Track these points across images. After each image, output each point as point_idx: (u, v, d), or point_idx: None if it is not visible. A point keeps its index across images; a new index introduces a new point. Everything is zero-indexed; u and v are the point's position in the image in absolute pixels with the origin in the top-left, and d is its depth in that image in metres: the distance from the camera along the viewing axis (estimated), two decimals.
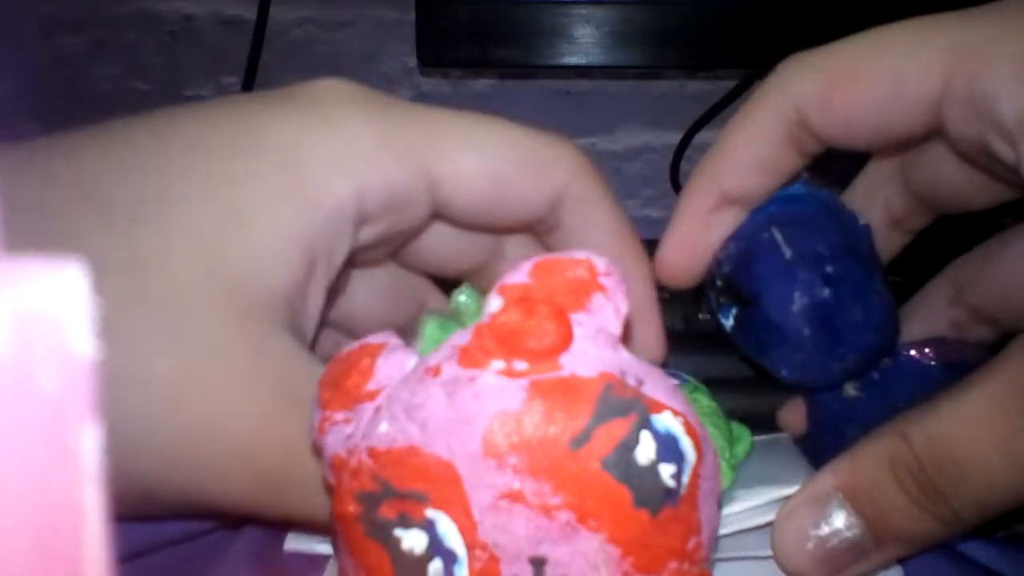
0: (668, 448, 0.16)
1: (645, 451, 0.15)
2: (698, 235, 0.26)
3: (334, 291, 0.26)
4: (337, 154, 0.23)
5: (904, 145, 0.26)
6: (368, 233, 0.24)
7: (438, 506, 0.15)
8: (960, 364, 0.26)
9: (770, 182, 0.26)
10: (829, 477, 0.22)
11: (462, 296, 0.26)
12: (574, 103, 0.62)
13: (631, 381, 0.16)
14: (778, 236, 0.25)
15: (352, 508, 0.16)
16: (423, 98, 0.73)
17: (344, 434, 0.17)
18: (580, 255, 0.17)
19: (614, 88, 0.60)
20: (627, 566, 0.15)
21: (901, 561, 0.22)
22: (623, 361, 0.16)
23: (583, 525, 0.15)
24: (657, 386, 0.16)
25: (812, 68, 0.25)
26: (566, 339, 0.16)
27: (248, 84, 0.68)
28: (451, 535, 0.15)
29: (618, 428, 0.15)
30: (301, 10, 0.72)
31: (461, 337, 0.17)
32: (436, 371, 0.16)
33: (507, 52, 0.55)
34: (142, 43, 0.72)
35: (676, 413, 0.16)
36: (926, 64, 0.23)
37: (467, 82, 0.75)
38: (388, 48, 0.73)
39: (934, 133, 0.24)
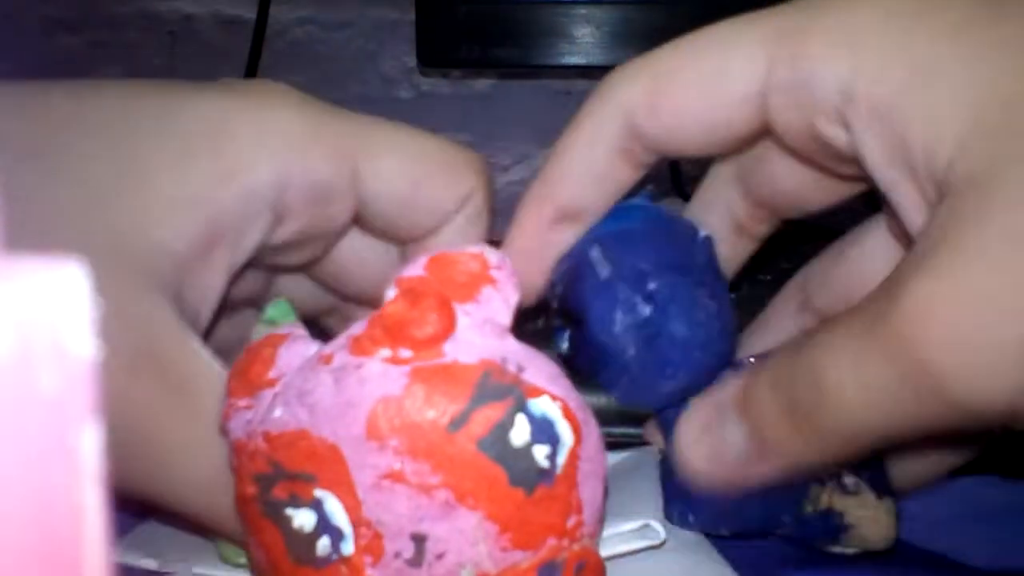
0: (543, 430, 0.16)
1: (520, 433, 0.16)
2: (534, 251, 0.25)
3: (248, 295, 0.26)
4: (261, 136, 0.23)
5: (737, 147, 0.25)
6: (289, 228, 0.24)
7: (325, 486, 0.16)
8: None
9: (605, 196, 0.25)
10: (730, 387, 0.22)
11: (272, 310, 0.25)
12: (574, 103, 0.62)
13: (511, 368, 0.17)
14: (596, 255, 0.25)
15: (250, 489, 0.17)
16: (423, 98, 0.73)
17: (245, 419, 0.17)
18: (474, 250, 0.18)
19: None
20: (505, 542, 0.16)
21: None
22: (506, 349, 0.17)
23: (461, 503, 0.16)
24: (539, 372, 0.17)
25: (637, 74, 0.24)
26: (448, 328, 0.17)
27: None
28: (337, 514, 0.16)
29: (494, 411, 0.16)
30: (301, 10, 0.72)
31: (357, 327, 0.17)
32: (328, 359, 0.17)
33: (507, 52, 0.55)
34: (142, 43, 0.72)
35: (555, 398, 0.17)
36: (747, 55, 0.22)
37: (467, 82, 0.75)
38: (388, 48, 0.73)
39: (764, 130, 0.23)
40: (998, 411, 0.18)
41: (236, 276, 0.23)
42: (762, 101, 0.22)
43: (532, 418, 0.16)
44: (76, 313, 0.08)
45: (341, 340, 0.17)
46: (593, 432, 0.18)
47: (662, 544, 0.22)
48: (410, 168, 0.25)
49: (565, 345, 0.26)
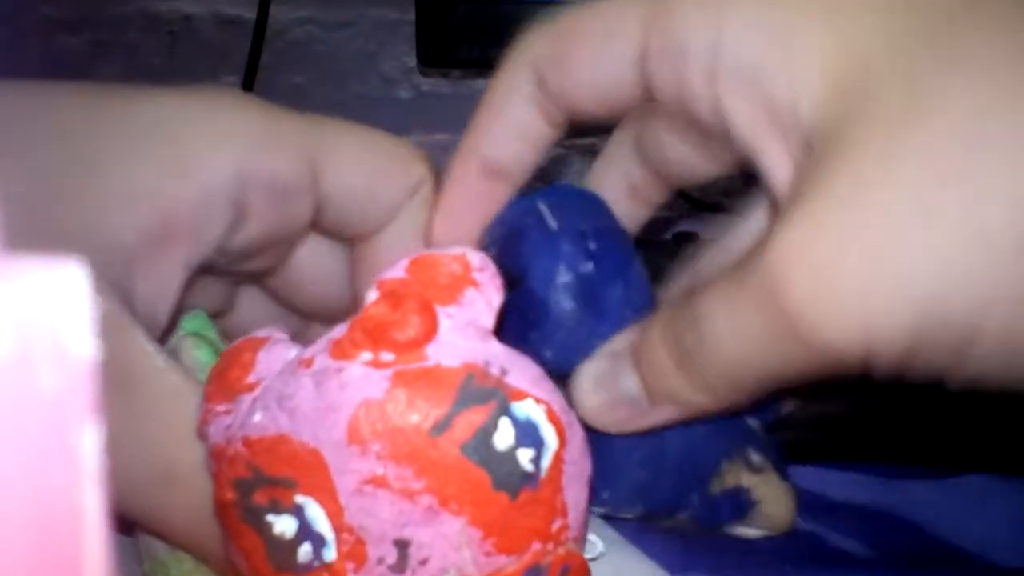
0: (527, 434, 0.16)
1: (503, 437, 0.16)
2: (465, 208, 0.26)
3: (211, 308, 0.26)
4: (220, 134, 0.23)
5: (629, 108, 0.25)
6: (251, 229, 0.24)
7: (306, 492, 0.16)
8: None
9: (528, 151, 0.26)
10: (624, 338, 0.23)
11: (189, 322, 0.24)
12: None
13: (494, 371, 0.17)
14: (545, 210, 0.25)
15: (229, 495, 0.17)
16: (423, 98, 0.73)
17: (224, 424, 0.17)
18: (456, 251, 0.18)
19: None
20: (489, 547, 0.16)
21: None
22: (489, 351, 0.17)
23: (445, 508, 0.16)
24: (522, 375, 0.17)
25: (547, 29, 0.24)
26: (430, 331, 0.17)
27: (248, 84, 0.68)
28: (319, 519, 0.16)
29: (478, 415, 0.16)
30: (301, 10, 0.72)
31: (338, 330, 0.17)
32: (309, 362, 0.17)
33: (507, 52, 0.55)
34: (142, 43, 0.72)
35: (539, 401, 0.17)
36: (629, 17, 0.22)
37: (467, 82, 0.75)
38: (388, 48, 0.73)
39: (649, 95, 0.23)
40: (855, 354, 0.18)
41: (195, 277, 0.23)
42: (643, 65, 0.22)
43: (516, 421, 0.16)
44: (76, 313, 0.08)
45: (322, 343, 0.17)
46: (577, 435, 0.18)
47: (598, 557, 0.21)
48: (366, 162, 0.26)
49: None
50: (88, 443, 0.08)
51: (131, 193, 0.21)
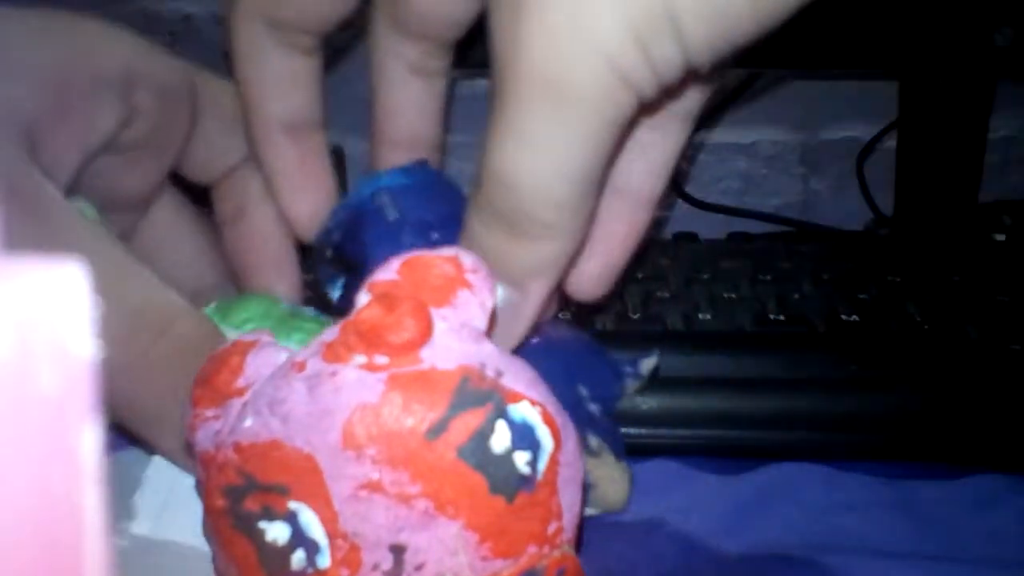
0: (523, 436, 0.16)
1: (500, 440, 0.16)
2: (300, 179, 0.28)
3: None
4: (112, 35, 0.27)
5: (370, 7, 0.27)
6: (138, 129, 0.26)
7: (300, 498, 0.16)
8: (552, 337, 0.26)
9: (309, 94, 0.28)
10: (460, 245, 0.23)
11: (82, 205, 0.25)
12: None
13: (490, 373, 0.16)
14: (385, 201, 0.26)
15: (220, 502, 0.16)
16: None
17: (213, 430, 0.17)
18: (448, 252, 0.18)
19: None
20: (485, 551, 0.16)
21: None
22: (484, 354, 0.17)
23: (441, 512, 0.16)
24: (517, 377, 0.17)
25: None
26: (425, 334, 0.16)
27: None
28: (313, 526, 0.16)
29: (474, 418, 0.16)
30: None
31: (329, 333, 0.17)
32: (301, 366, 0.16)
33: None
34: None
35: (534, 403, 0.17)
36: None
37: (467, 82, 0.75)
38: None
39: None
40: (631, 82, 0.19)
41: (90, 160, 0.25)
42: None
43: (512, 424, 0.16)
44: (76, 313, 0.08)
45: (314, 347, 0.17)
46: (571, 436, 0.17)
47: None
48: (235, 96, 0.28)
49: (338, 293, 0.27)
50: (88, 443, 0.08)
51: (30, 68, 0.23)
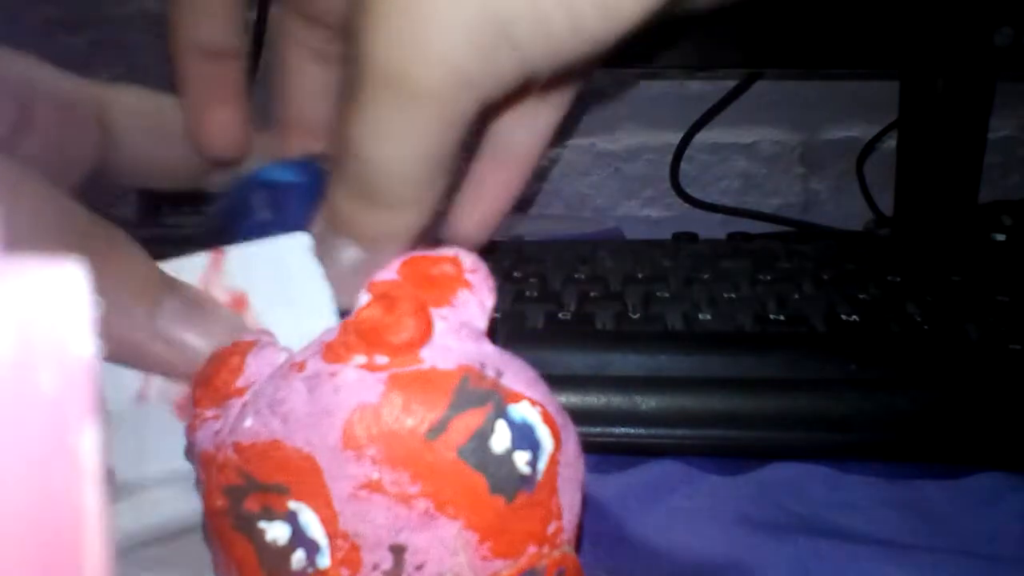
0: (523, 436, 0.16)
1: (500, 440, 0.16)
2: (214, 103, 0.29)
3: None
4: (10, 56, 0.26)
5: None
6: (34, 141, 0.25)
7: (300, 498, 0.16)
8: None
9: (228, 17, 0.28)
10: (322, 211, 0.24)
11: None
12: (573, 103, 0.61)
13: (490, 372, 0.16)
14: (262, 199, 0.26)
15: (220, 502, 0.16)
16: None
17: (213, 430, 0.17)
18: (448, 252, 0.18)
19: (613, 88, 0.60)
20: (485, 551, 0.16)
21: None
22: (484, 353, 0.17)
23: (441, 512, 0.15)
24: (517, 377, 0.17)
25: None
26: (425, 334, 0.16)
27: (248, 84, 0.68)
28: (313, 526, 0.16)
29: (474, 418, 0.16)
30: None
31: (329, 334, 0.17)
32: (301, 366, 0.16)
33: None
34: (142, 43, 0.72)
35: (534, 403, 0.16)
36: None
37: None
38: None
39: None
40: (450, 84, 0.20)
41: None
42: None
43: (512, 424, 0.16)
44: (76, 313, 0.08)
45: (314, 347, 0.17)
46: (571, 436, 0.17)
47: None
48: (149, 102, 0.30)
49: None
50: (88, 443, 0.08)
51: None
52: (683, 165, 0.57)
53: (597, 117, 0.61)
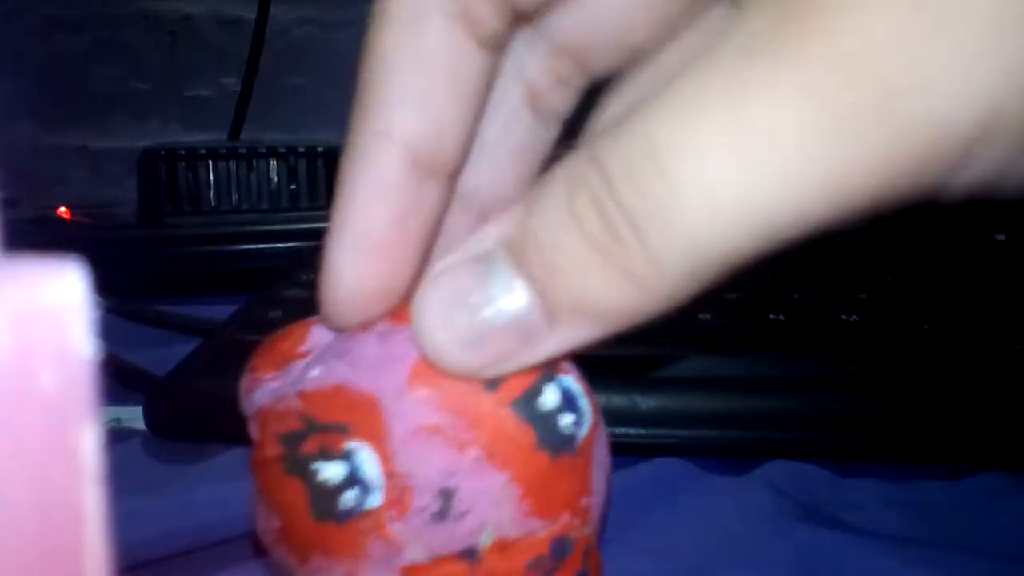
0: (569, 401, 0.17)
1: (549, 399, 0.16)
2: (391, 240, 0.18)
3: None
4: None
5: None
6: None
7: (359, 436, 0.16)
8: None
9: (463, 102, 0.17)
10: (496, 226, 0.15)
11: None
12: None
13: None
14: None
15: (273, 451, 0.17)
16: None
17: (271, 388, 0.17)
18: None
19: None
20: (526, 507, 0.16)
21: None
22: None
23: (491, 462, 0.16)
24: (564, 359, 0.17)
25: None
26: None
27: (248, 84, 0.68)
28: (369, 464, 0.16)
29: (527, 377, 0.16)
30: (301, 10, 0.72)
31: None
32: (369, 326, 0.17)
33: None
34: (142, 43, 0.72)
35: (578, 380, 0.17)
36: None
37: None
38: None
39: None
40: (964, 134, 0.12)
41: None
42: None
43: (561, 388, 0.17)
44: (76, 313, 0.08)
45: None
46: (603, 428, 0.18)
47: None
48: None
49: None
50: (88, 443, 0.08)
51: None
52: None
53: None
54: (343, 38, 0.73)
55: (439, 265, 0.16)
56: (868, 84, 0.12)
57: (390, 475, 0.16)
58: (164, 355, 0.35)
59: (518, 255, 0.15)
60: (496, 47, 0.18)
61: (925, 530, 0.26)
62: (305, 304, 0.36)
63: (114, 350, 0.34)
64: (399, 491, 0.16)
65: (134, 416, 0.32)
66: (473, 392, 0.16)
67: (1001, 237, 0.50)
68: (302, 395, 0.17)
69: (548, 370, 0.17)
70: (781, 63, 0.13)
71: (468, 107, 0.17)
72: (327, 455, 0.16)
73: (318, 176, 0.57)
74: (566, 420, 0.17)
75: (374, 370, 0.16)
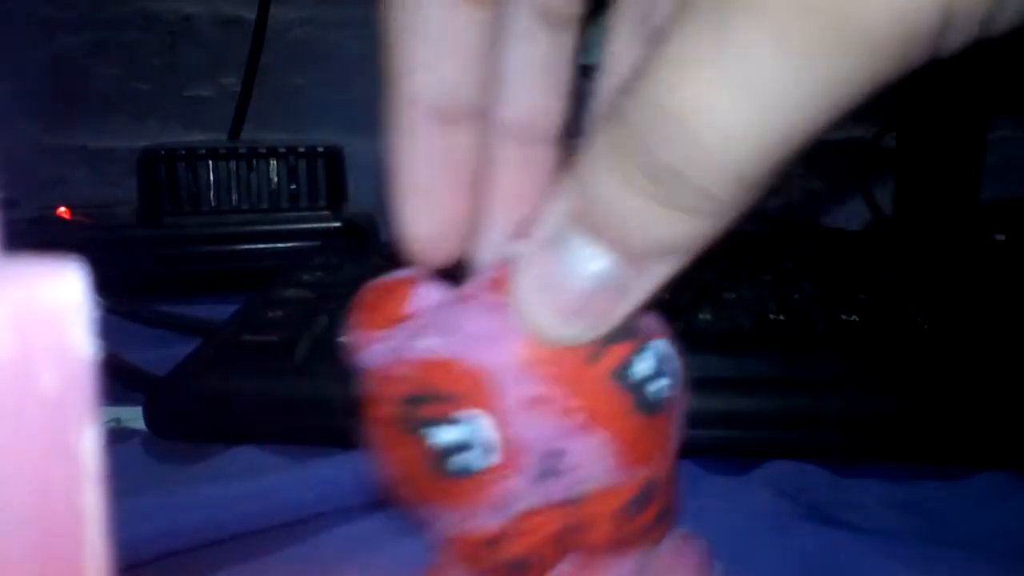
0: (661, 365, 0.19)
1: (644, 367, 0.18)
2: (435, 186, 0.20)
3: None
4: None
5: None
6: None
7: (474, 406, 0.18)
8: None
9: (468, 54, 0.19)
10: (559, 203, 0.17)
11: None
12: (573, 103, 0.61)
13: (639, 315, 0.19)
14: None
15: (392, 410, 0.18)
16: None
17: (384, 349, 0.19)
18: None
19: None
20: (621, 460, 0.18)
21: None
22: None
23: (592, 426, 0.18)
24: (657, 324, 0.19)
25: None
26: None
27: (248, 84, 0.68)
28: (483, 430, 0.18)
29: (624, 348, 0.18)
30: (301, 10, 0.72)
31: (494, 270, 0.19)
32: (472, 297, 0.19)
33: None
34: (142, 43, 0.72)
35: (668, 342, 0.19)
36: None
37: None
38: None
39: None
40: (929, 17, 0.14)
41: None
42: None
43: (654, 355, 0.18)
44: (76, 313, 0.08)
45: (480, 283, 0.19)
46: (683, 377, 0.20)
47: None
48: None
49: None
50: (88, 443, 0.08)
51: None
52: None
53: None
54: (343, 38, 0.73)
55: (524, 251, 0.18)
56: (823, 11, 0.14)
57: (503, 439, 0.18)
58: (164, 355, 0.35)
59: (587, 224, 0.17)
60: (489, 4, 0.19)
61: (925, 530, 0.26)
62: (305, 304, 0.36)
63: (114, 350, 0.34)
64: (511, 453, 0.18)
65: (134, 416, 0.32)
66: (576, 364, 0.18)
67: (1001, 237, 0.50)
68: (416, 363, 0.18)
69: (645, 339, 0.18)
70: (750, 9, 0.14)
71: (475, 56, 0.19)
72: (444, 420, 0.18)
73: (318, 176, 0.57)
74: (658, 385, 0.19)
75: (483, 345, 0.18)
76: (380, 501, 0.27)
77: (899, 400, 0.30)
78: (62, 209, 0.55)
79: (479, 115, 0.20)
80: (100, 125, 0.73)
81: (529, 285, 0.18)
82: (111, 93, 0.72)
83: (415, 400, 0.18)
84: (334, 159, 0.57)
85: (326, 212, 0.56)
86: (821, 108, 0.15)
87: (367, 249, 0.49)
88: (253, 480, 0.27)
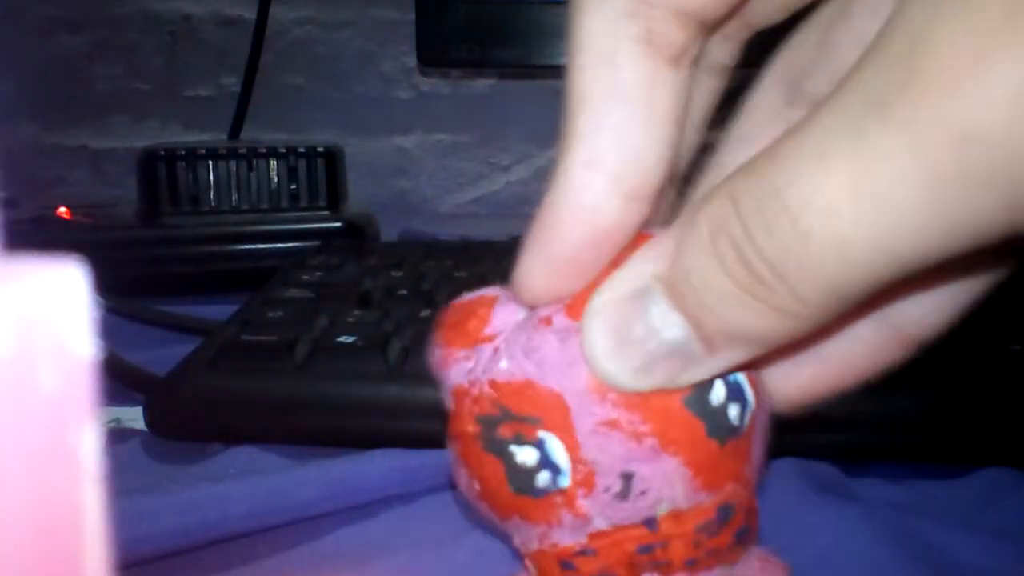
0: (735, 393, 0.19)
1: (718, 394, 0.18)
2: (575, 255, 0.18)
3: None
4: None
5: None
6: None
7: (548, 429, 0.18)
8: None
9: (660, 124, 0.17)
10: (649, 262, 0.17)
11: None
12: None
13: None
14: None
15: (472, 428, 0.19)
16: (423, 98, 0.73)
17: (465, 368, 0.20)
18: None
19: None
20: (697, 484, 0.19)
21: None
22: None
23: (665, 450, 0.18)
24: None
25: None
26: None
27: (248, 84, 0.68)
28: (558, 452, 0.18)
29: None
30: (301, 10, 0.72)
31: (570, 297, 0.19)
32: (548, 321, 0.19)
33: (507, 52, 0.55)
34: (142, 43, 0.72)
35: (743, 372, 0.19)
36: None
37: (467, 82, 0.75)
38: (388, 48, 0.73)
39: None
40: None
41: None
42: None
43: (727, 382, 0.18)
44: (76, 313, 0.08)
45: (556, 306, 0.19)
46: (766, 400, 0.20)
47: None
48: None
49: None
50: (88, 442, 0.08)
51: None
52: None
53: None
54: (343, 38, 0.73)
55: (602, 296, 0.17)
56: (978, 153, 0.13)
57: (576, 461, 0.18)
58: (164, 355, 0.35)
59: (672, 291, 0.16)
60: (687, 61, 0.18)
61: (925, 530, 0.26)
62: (305, 304, 0.36)
63: (114, 350, 0.34)
64: (585, 475, 0.18)
65: (134, 416, 0.32)
66: (649, 391, 0.18)
67: None
68: (494, 385, 0.19)
69: None
70: (898, 123, 0.13)
71: (666, 127, 0.17)
72: (521, 440, 0.19)
73: (318, 176, 0.57)
74: (733, 412, 0.19)
75: (558, 371, 0.18)
76: (380, 502, 0.27)
77: (899, 400, 0.30)
78: (62, 209, 0.55)
79: (654, 196, 0.18)
80: (100, 125, 0.73)
81: (601, 330, 0.17)
82: (111, 93, 0.72)
83: (492, 420, 0.19)
84: (334, 159, 0.57)
85: (326, 212, 0.56)
86: (953, 241, 0.14)
87: (367, 249, 0.49)
88: (253, 480, 0.27)
